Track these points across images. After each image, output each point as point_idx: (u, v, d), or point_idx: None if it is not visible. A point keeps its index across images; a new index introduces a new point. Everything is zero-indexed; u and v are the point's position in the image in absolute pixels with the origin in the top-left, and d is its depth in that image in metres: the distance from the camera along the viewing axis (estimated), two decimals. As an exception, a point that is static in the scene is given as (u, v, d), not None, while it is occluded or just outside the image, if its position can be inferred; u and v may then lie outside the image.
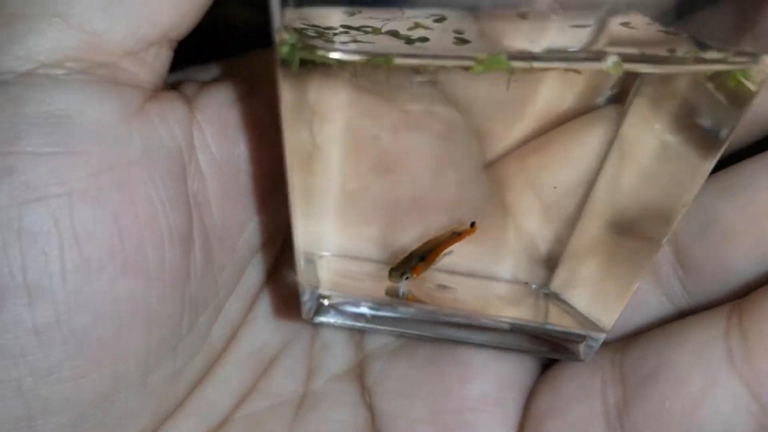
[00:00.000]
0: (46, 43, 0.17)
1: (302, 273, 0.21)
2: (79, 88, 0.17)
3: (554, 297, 0.22)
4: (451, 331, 0.22)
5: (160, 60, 0.19)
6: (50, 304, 0.17)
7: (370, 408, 0.23)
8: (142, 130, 0.18)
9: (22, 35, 0.17)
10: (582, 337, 0.21)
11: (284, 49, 0.16)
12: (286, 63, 0.16)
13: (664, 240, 0.19)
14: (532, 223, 0.22)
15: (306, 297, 0.21)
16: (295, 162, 0.18)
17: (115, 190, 0.17)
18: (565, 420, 0.21)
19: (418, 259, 0.21)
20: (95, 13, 0.17)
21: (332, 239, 0.22)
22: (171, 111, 0.19)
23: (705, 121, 0.18)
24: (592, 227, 0.21)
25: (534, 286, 0.22)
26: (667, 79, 0.18)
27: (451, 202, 0.22)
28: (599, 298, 0.21)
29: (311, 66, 0.17)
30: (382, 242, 0.22)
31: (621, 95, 0.19)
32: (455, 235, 0.22)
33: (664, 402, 0.19)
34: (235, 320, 0.24)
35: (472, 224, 0.21)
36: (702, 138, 0.18)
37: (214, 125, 0.20)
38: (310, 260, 0.21)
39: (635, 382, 0.20)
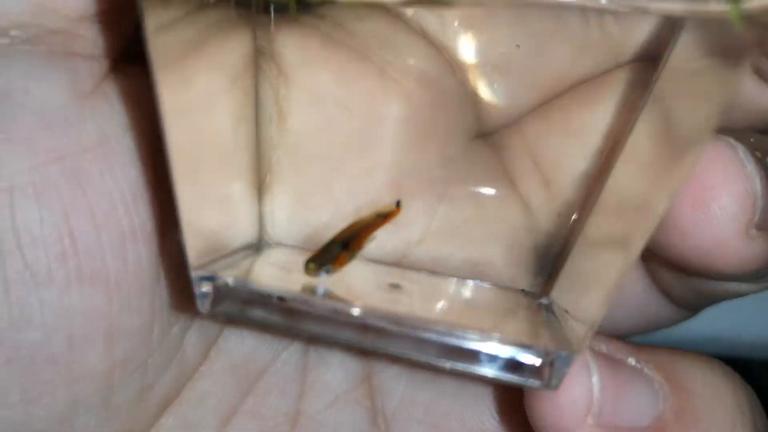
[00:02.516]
0: None
1: (192, 255, 0.17)
2: (23, 60, 0.15)
3: (550, 309, 0.19)
4: (383, 341, 0.18)
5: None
6: None
7: None
8: (97, 111, 0.16)
9: None
10: (553, 359, 0.17)
11: None
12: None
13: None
14: (535, 207, 0.19)
15: (197, 283, 0.18)
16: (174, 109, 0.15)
17: (66, 183, 0.15)
18: None
19: (339, 247, 0.18)
20: None
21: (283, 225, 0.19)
22: (136, 88, 0.17)
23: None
24: (608, 219, 0.18)
25: (529, 292, 0.20)
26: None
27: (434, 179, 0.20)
28: (586, 308, 0.18)
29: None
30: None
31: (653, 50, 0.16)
32: (380, 218, 0.19)
33: None
34: (213, 327, 0.21)
35: (398, 203, 0.19)
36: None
37: None
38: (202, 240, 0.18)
39: None
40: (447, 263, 0.20)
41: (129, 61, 0.18)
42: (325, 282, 0.19)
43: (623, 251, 0.17)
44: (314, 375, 0.22)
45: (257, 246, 0.21)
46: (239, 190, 0.20)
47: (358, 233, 0.19)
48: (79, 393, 0.16)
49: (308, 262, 0.18)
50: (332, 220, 0.20)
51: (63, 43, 0.16)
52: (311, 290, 0.18)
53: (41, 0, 0.15)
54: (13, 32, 0.15)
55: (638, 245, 0.16)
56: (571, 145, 0.19)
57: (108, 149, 0.16)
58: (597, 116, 0.18)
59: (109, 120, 0.16)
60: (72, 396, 0.16)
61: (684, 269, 0.18)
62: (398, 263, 0.20)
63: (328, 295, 0.19)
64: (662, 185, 0.16)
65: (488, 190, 0.20)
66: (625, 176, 0.18)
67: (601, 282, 0.17)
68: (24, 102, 0.15)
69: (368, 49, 0.18)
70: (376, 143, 0.19)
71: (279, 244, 0.20)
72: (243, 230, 0.20)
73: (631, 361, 0.18)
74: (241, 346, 0.22)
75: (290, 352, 0.22)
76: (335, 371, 0.22)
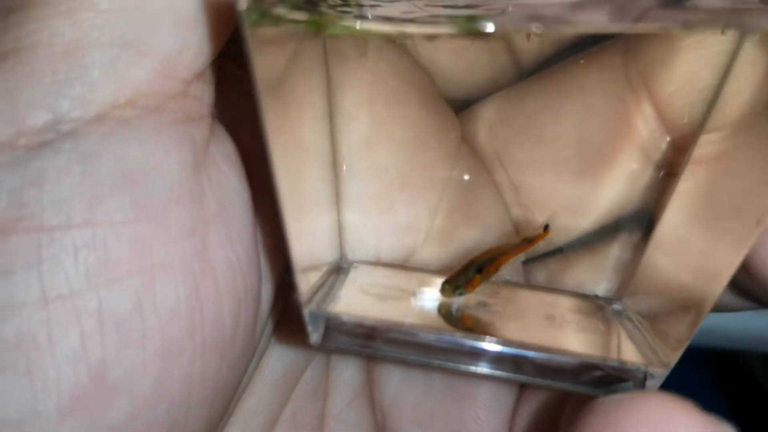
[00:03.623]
0: (117, 79, 0.14)
1: (303, 291, 0.18)
2: (152, 133, 0.15)
3: (625, 315, 0.20)
4: (486, 365, 0.19)
5: (215, 76, 0.17)
6: (129, 401, 0.15)
7: None
8: (212, 179, 0.16)
9: (85, 70, 0.14)
10: (642, 374, 0.18)
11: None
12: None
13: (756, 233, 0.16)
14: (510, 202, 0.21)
15: (309, 320, 0.19)
16: (280, 153, 0.16)
17: (196, 258, 0.15)
18: None
19: (475, 270, 0.19)
20: (168, 33, 0.15)
21: (328, 244, 0.20)
22: (228, 147, 0.17)
23: None
24: (683, 213, 0.19)
25: (602, 298, 0.20)
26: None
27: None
28: (673, 317, 0.19)
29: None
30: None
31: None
32: (526, 242, 0.20)
33: None
34: (261, 349, 0.22)
35: (546, 227, 0.20)
36: None
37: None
38: (310, 274, 0.19)
39: None
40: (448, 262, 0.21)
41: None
42: (458, 301, 0.19)
43: (709, 262, 0.17)
44: (336, 374, 0.23)
45: (340, 266, 0.21)
46: (325, 217, 0.20)
47: (496, 258, 0.19)
48: None
49: (445, 283, 0.19)
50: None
51: (181, 108, 0.16)
52: (447, 308, 0.19)
53: (163, 66, 0.15)
54: (140, 102, 0.15)
55: (728, 258, 0.16)
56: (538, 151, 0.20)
57: (226, 218, 0.16)
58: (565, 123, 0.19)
59: (222, 187, 0.16)
60: None
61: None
62: (405, 263, 0.21)
63: (461, 315, 0.19)
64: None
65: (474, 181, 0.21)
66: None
67: (691, 295, 0.18)
68: (157, 179, 0.15)
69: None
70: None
71: (358, 263, 0.21)
72: (330, 253, 0.21)
73: None
74: (281, 361, 0.22)
75: (319, 357, 0.23)
76: (352, 369, 0.23)
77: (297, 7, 0.15)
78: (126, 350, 0.14)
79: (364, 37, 0.19)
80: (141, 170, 0.15)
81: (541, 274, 0.22)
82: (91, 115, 0.14)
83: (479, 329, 0.19)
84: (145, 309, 0.14)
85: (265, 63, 0.14)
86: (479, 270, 0.19)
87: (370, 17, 0.16)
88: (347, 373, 0.23)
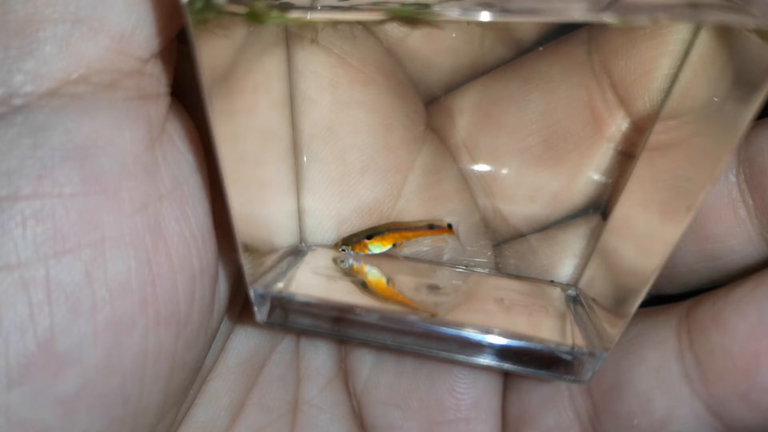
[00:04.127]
0: (70, 54, 0.14)
1: (248, 271, 0.19)
2: (105, 109, 0.15)
3: (578, 300, 0.21)
4: (431, 345, 0.20)
5: (174, 56, 0.17)
6: (79, 372, 0.15)
7: (360, 419, 0.23)
8: (168, 155, 0.16)
9: (38, 46, 0.14)
10: (586, 356, 0.19)
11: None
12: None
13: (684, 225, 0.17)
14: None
15: (255, 299, 0.19)
16: (228, 138, 0.16)
17: (149, 232, 0.16)
18: (540, 428, 0.21)
19: (363, 236, 0.21)
20: (121, 11, 0.15)
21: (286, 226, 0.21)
22: (186, 126, 0.17)
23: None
24: (636, 197, 0.20)
25: (559, 283, 0.21)
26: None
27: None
28: (618, 298, 0.19)
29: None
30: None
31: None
32: (427, 228, 0.21)
33: (633, 419, 0.20)
34: (225, 332, 0.22)
35: (449, 226, 0.21)
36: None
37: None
38: (261, 256, 0.20)
39: (601, 395, 0.21)
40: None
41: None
42: (346, 258, 0.21)
43: (656, 242, 0.18)
44: (307, 360, 0.23)
45: (299, 250, 0.22)
46: (282, 201, 0.21)
47: (392, 232, 0.21)
48: (140, 427, 0.17)
49: (339, 241, 0.21)
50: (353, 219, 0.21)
51: (136, 85, 0.16)
52: (338, 262, 0.21)
53: (117, 44, 0.15)
54: (94, 78, 0.15)
55: (671, 236, 0.17)
56: (504, 139, 0.21)
57: (181, 193, 0.16)
58: (531, 112, 0.20)
59: (177, 163, 0.17)
60: (133, 430, 0.17)
61: None
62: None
63: (350, 268, 0.21)
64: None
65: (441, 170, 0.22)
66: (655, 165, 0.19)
67: (634, 277, 0.19)
68: (109, 153, 0.15)
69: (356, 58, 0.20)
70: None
71: (317, 246, 0.22)
72: (287, 236, 0.21)
73: None
74: (246, 343, 0.23)
75: (286, 342, 0.23)
76: (324, 356, 0.23)
77: None
78: (75, 321, 0.14)
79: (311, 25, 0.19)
80: (92, 144, 0.15)
81: (510, 260, 0.22)
82: (44, 89, 0.14)
83: (372, 285, 0.21)
84: (95, 281, 0.15)
85: (211, 50, 0.15)
86: (369, 237, 0.21)
87: (318, 7, 0.16)
88: (318, 359, 0.23)
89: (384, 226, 0.21)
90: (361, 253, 0.21)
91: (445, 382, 0.22)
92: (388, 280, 0.21)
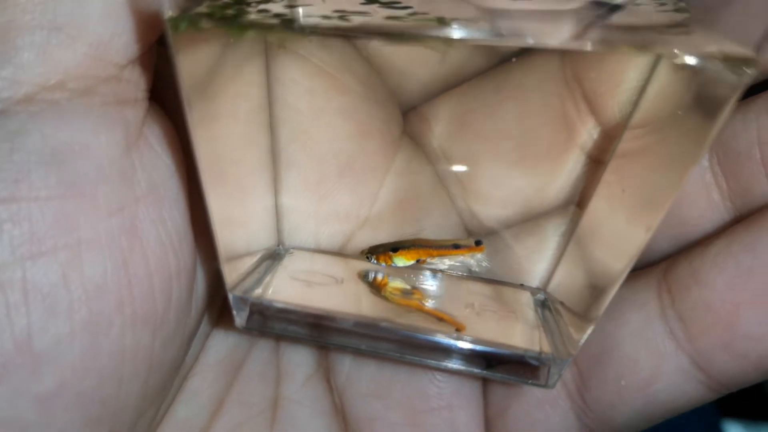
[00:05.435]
0: (47, 61, 0.15)
1: (228, 276, 0.19)
2: (82, 114, 0.15)
3: (546, 305, 0.22)
4: (402, 350, 0.20)
5: (153, 62, 0.17)
6: (56, 371, 0.15)
7: (342, 413, 0.23)
8: (145, 159, 0.17)
9: (16, 52, 0.15)
10: (552, 361, 0.20)
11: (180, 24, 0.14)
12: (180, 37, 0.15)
13: (652, 229, 0.18)
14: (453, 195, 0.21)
15: (234, 304, 0.20)
16: (206, 144, 0.16)
17: (125, 234, 0.16)
18: (528, 401, 0.22)
19: (388, 248, 0.21)
20: (99, 19, 0.15)
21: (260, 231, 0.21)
22: (164, 129, 0.17)
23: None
24: (605, 203, 0.20)
25: (528, 287, 0.21)
26: None
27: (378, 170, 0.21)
28: (585, 302, 0.20)
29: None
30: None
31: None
32: (453, 248, 0.21)
33: (620, 380, 0.20)
34: (204, 332, 0.22)
35: (478, 242, 0.21)
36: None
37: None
38: (239, 260, 0.20)
39: (587, 362, 0.21)
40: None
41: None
42: (372, 271, 0.21)
43: (624, 245, 0.18)
44: (287, 357, 0.24)
45: (277, 253, 0.22)
46: (260, 205, 0.21)
47: (418, 248, 0.21)
48: (118, 426, 0.17)
49: (364, 250, 0.21)
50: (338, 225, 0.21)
51: (113, 91, 0.16)
52: (363, 275, 0.21)
53: (95, 51, 0.15)
54: (70, 84, 0.15)
55: (639, 239, 0.17)
56: (480, 146, 0.21)
57: (157, 196, 0.17)
58: (506, 120, 0.20)
59: (154, 167, 0.17)
60: (112, 429, 0.17)
61: None
62: (343, 248, 0.22)
63: (376, 281, 0.21)
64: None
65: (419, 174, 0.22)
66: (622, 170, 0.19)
67: (602, 279, 0.19)
68: (85, 158, 0.15)
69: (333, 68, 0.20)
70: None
71: (294, 249, 0.22)
72: (265, 239, 0.21)
73: None
74: (225, 341, 0.23)
75: (266, 339, 0.24)
76: (304, 352, 0.24)
77: (224, 10, 0.15)
78: (52, 321, 0.15)
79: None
80: (69, 149, 0.15)
81: (483, 262, 0.23)
82: (21, 95, 0.15)
83: (393, 298, 0.21)
84: (71, 282, 0.15)
85: (190, 60, 0.15)
86: (395, 249, 0.21)
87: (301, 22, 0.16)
88: (299, 355, 0.24)
89: (409, 241, 0.21)
90: (384, 264, 0.21)
91: (426, 371, 0.22)
92: (414, 292, 0.21)
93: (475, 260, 0.22)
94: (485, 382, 0.23)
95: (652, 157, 0.19)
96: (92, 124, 0.15)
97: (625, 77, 0.19)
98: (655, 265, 0.21)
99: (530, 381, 0.20)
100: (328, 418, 0.23)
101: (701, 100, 0.17)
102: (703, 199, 0.20)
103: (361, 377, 0.23)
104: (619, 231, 0.19)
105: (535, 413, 0.22)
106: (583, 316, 0.20)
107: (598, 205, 0.20)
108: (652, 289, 0.20)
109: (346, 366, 0.23)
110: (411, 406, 0.22)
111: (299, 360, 0.24)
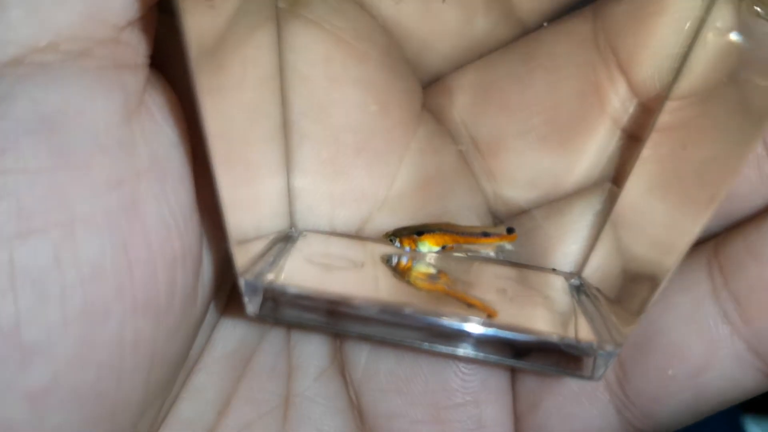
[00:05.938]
0: (38, 20, 0.14)
1: (238, 260, 0.17)
2: (76, 78, 0.14)
3: (582, 290, 0.20)
4: (432, 340, 0.19)
5: (153, 26, 0.16)
6: (48, 364, 0.14)
7: (359, 409, 0.21)
8: (146, 129, 0.15)
9: (3, 10, 0.13)
10: (593, 350, 0.18)
11: None
12: None
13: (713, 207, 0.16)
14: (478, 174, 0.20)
15: (245, 290, 0.18)
16: (214, 115, 0.15)
17: (124, 212, 0.15)
18: (563, 394, 0.20)
19: (413, 231, 0.20)
20: None
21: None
22: (168, 99, 0.16)
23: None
24: (644, 182, 0.19)
25: (561, 272, 0.20)
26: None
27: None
28: (628, 291, 0.19)
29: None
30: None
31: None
32: (482, 236, 0.20)
33: (667, 370, 0.19)
34: (210, 322, 0.21)
35: (510, 230, 0.20)
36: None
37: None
38: (250, 243, 0.18)
39: (629, 350, 0.20)
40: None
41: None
42: (396, 254, 0.20)
43: (669, 232, 0.17)
44: (299, 350, 0.22)
45: (289, 236, 0.20)
46: (272, 183, 0.20)
47: (444, 233, 0.20)
48: (118, 424, 0.16)
49: (387, 233, 0.20)
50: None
51: (111, 54, 0.15)
52: (386, 259, 0.20)
53: (90, 10, 0.14)
54: (63, 46, 0.14)
55: (692, 227, 0.16)
56: (507, 120, 0.20)
57: (160, 171, 0.15)
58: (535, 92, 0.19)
59: (157, 139, 0.16)
60: (111, 428, 0.16)
61: None
62: (360, 230, 0.21)
63: (398, 265, 0.20)
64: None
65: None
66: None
67: (646, 271, 0.18)
68: (80, 125, 0.14)
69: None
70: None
71: (308, 232, 0.21)
72: (277, 221, 0.20)
73: None
74: (233, 333, 0.22)
75: (277, 330, 0.22)
76: (317, 344, 0.22)
77: None
78: (43, 308, 0.13)
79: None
80: (61, 115, 0.14)
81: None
82: (8, 57, 0.14)
83: (418, 282, 0.19)
84: (64, 264, 0.14)
85: (198, 22, 0.14)
86: (420, 233, 0.20)
87: None
88: (312, 347, 0.22)
89: (436, 225, 0.20)
90: (408, 248, 0.20)
91: (449, 363, 0.21)
92: (441, 276, 0.20)
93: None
94: (514, 373, 0.21)
95: (701, 130, 0.18)
96: (87, 88, 0.14)
97: (665, 42, 0.18)
98: (702, 243, 0.20)
99: (573, 372, 0.18)
100: (344, 416, 0.21)
101: (757, 61, 0.15)
102: (753, 174, 0.19)
103: (379, 370, 0.21)
104: (665, 218, 0.18)
105: (571, 407, 0.20)
106: (626, 307, 0.18)
107: (636, 187, 0.19)
108: (702, 269, 0.19)
109: (363, 358, 0.22)
110: (434, 402, 0.21)
111: (312, 352, 0.22)
